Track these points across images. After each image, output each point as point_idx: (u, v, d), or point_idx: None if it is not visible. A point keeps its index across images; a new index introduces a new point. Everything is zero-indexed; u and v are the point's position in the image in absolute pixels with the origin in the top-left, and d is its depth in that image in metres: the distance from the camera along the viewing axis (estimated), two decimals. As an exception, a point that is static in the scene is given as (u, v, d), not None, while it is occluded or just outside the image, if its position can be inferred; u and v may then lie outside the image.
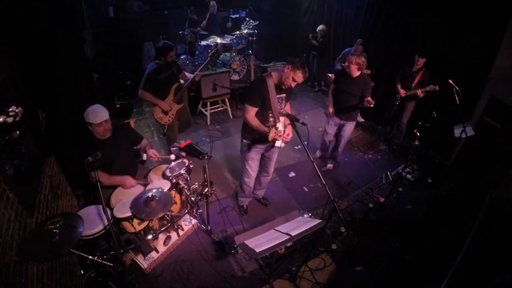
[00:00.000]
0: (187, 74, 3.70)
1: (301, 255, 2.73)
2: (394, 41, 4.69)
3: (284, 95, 2.65)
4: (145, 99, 3.51)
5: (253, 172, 3.02)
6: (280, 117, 2.61)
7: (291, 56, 2.66)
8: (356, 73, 3.29)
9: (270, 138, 2.45)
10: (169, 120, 3.56)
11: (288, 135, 2.59)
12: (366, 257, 2.84)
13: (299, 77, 2.41)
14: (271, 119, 2.66)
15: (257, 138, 2.74)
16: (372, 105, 3.18)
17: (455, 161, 4.10)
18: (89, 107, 2.40)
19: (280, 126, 2.58)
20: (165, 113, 3.49)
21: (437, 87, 3.60)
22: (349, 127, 3.66)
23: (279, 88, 2.56)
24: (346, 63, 3.31)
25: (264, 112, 2.62)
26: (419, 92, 3.78)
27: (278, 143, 2.53)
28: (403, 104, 4.22)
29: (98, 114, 2.37)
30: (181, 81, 3.67)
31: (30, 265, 1.81)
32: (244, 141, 2.83)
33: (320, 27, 5.91)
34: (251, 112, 2.57)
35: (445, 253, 2.37)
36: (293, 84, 2.49)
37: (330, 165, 4.11)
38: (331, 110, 3.69)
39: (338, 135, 3.81)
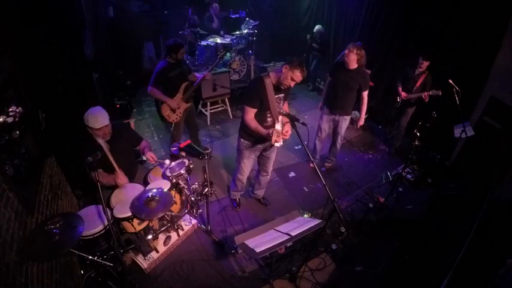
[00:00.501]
0: (197, 75, 3.68)
1: (301, 255, 2.73)
2: (394, 41, 4.68)
3: (282, 95, 2.65)
4: (154, 96, 3.53)
5: (247, 170, 3.03)
6: (279, 117, 2.60)
7: (291, 56, 2.65)
8: (354, 64, 3.20)
9: (273, 141, 2.42)
10: (176, 119, 3.57)
11: (286, 132, 2.55)
12: (366, 257, 2.84)
13: (297, 76, 2.40)
14: (269, 119, 2.65)
15: (256, 139, 2.73)
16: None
17: (455, 161, 4.10)
18: (89, 110, 2.34)
19: (278, 126, 2.57)
20: (173, 111, 3.50)
21: (440, 92, 3.55)
22: (344, 123, 3.62)
23: (277, 88, 2.55)
24: (346, 51, 3.17)
25: (262, 112, 2.61)
26: (426, 96, 3.68)
27: (278, 143, 2.53)
28: (403, 109, 4.16)
29: (98, 120, 2.32)
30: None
31: (30, 265, 1.81)
32: (242, 140, 2.83)
33: (317, 28, 5.91)
34: (250, 114, 2.56)
35: (445, 253, 2.37)
36: (292, 84, 2.49)
37: (328, 165, 4.11)
38: (320, 104, 3.69)
39: (334, 132, 3.79)
